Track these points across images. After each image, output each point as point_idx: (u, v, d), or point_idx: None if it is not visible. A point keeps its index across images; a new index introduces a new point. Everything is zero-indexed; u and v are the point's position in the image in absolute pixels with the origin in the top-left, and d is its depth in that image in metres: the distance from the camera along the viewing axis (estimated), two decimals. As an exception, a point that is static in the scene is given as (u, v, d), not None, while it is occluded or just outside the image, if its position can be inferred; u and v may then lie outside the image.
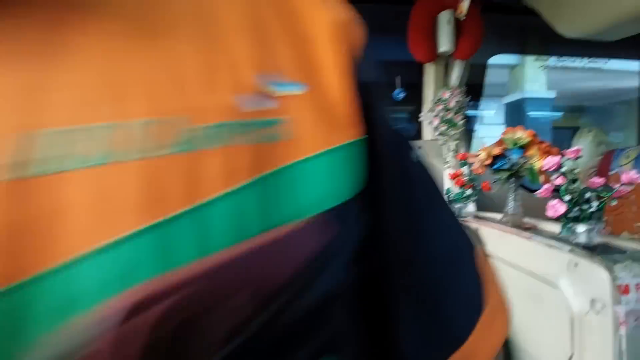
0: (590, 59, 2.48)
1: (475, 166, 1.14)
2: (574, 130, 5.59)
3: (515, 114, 5.07)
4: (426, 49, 1.68)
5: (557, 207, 0.84)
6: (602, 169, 1.84)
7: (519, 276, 0.93)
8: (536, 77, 4.51)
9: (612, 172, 1.76)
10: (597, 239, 0.84)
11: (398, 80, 1.80)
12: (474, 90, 1.98)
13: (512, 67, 4.70)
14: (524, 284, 0.91)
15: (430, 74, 1.77)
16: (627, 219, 1.66)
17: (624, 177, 0.77)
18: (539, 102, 4.68)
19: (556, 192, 0.88)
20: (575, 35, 1.60)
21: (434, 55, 1.70)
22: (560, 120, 5.72)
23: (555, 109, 5.23)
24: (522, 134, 1.04)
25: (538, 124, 5.20)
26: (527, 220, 1.15)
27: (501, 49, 1.97)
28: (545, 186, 0.87)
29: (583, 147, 1.98)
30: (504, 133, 1.09)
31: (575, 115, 6.15)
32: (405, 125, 1.97)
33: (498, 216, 1.27)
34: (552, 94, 4.61)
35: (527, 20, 1.83)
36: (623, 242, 0.85)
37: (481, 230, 1.11)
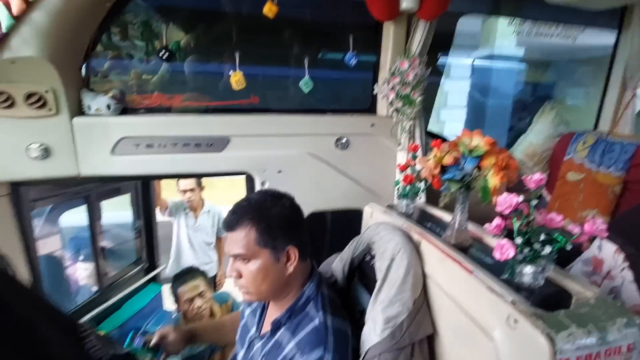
0: (565, 26, 2.26)
1: (424, 173, 0.96)
2: (535, 85, 5.65)
3: (484, 69, 5.00)
4: (386, 3, 1.37)
5: (506, 249, 0.71)
6: (558, 151, 1.76)
7: (455, 312, 0.82)
8: (507, 31, 4.28)
9: (568, 156, 1.68)
10: (542, 281, 0.73)
11: (351, 40, 1.50)
12: (443, 41, 1.72)
13: (484, 19, 4.41)
14: (459, 322, 0.81)
15: (388, 36, 1.48)
16: (572, 207, 1.63)
17: (587, 227, 0.63)
18: (507, 59, 4.59)
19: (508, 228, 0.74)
20: (556, 0, 1.37)
21: (395, 13, 1.40)
22: (525, 75, 5.70)
23: (523, 61, 5.16)
24: (479, 142, 0.86)
25: (503, 77, 5.20)
26: (472, 230, 1.03)
27: (472, 8, 1.69)
28: (496, 222, 0.72)
29: (542, 127, 1.88)
30: (460, 137, 0.90)
31: (540, 70, 6.15)
32: (358, 96, 1.71)
33: (447, 217, 1.14)
34: (520, 52, 4.51)
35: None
36: (570, 283, 0.75)
37: (423, 246, 0.98)
